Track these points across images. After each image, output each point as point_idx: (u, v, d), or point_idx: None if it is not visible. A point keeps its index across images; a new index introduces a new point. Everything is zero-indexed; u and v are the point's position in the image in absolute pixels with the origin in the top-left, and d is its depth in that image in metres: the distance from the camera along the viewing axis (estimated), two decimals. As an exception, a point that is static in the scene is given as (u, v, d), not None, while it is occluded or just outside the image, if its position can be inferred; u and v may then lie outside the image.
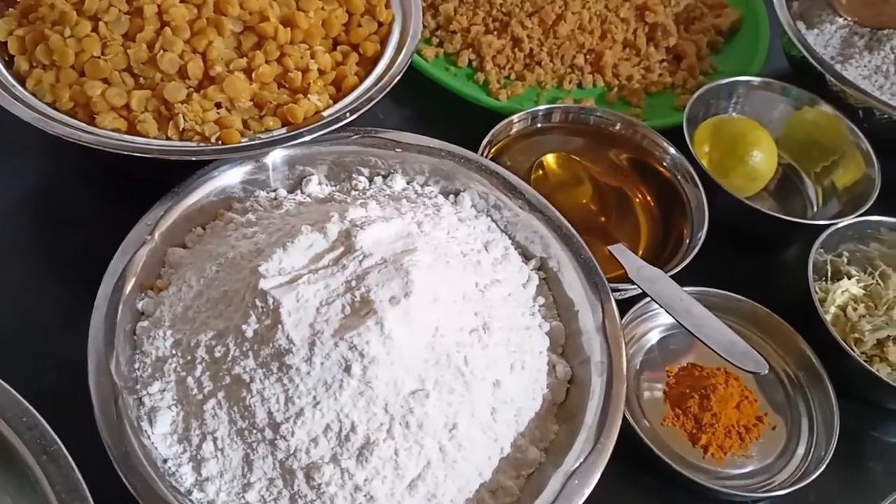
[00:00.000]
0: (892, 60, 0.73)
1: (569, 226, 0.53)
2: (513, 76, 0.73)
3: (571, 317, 0.51)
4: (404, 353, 0.41)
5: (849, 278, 0.61)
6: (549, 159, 0.64)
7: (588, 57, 0.74)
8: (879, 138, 0.68)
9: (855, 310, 0.59)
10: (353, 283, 0.42)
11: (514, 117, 0.64)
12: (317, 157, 0.55)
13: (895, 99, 0.71)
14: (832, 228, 0.61)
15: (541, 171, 0.63)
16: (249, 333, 0.42)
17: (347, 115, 0.54)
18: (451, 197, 0.56)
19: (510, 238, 0.55)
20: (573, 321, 0.51)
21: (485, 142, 0.61)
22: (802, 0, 0.79)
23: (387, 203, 0.51)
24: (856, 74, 0.72)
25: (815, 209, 0.69)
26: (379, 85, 0.56)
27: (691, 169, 0.62)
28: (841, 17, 0.76)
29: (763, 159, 0.65)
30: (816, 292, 0.60)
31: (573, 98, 0.73)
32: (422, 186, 0.56)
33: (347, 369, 0.41)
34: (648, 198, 0.65)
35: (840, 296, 0.60)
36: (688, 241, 0.60)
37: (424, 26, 0.74)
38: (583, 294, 0.51)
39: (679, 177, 0.63)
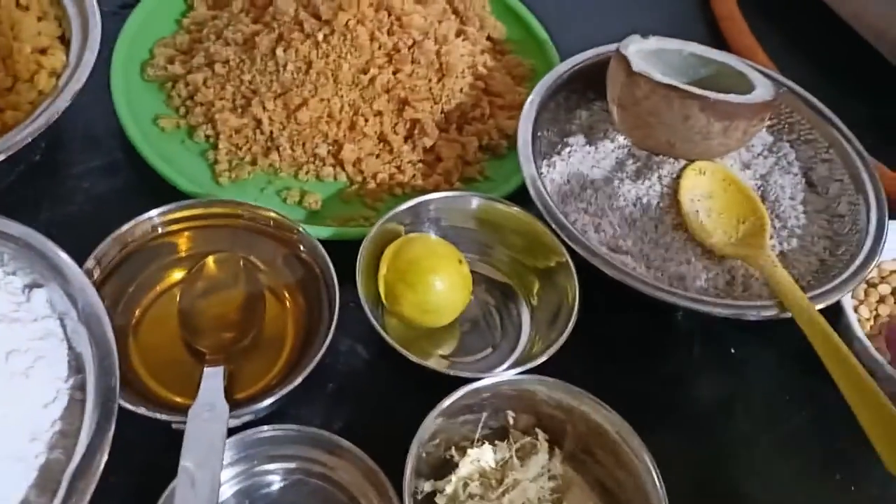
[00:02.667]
0: (658, 192, 0.62)
1: (110, 345, 0.47)
2: (249, 158, 0.67)
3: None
4: None
5: (493, 443, 0.52)
6: (212, 259, 0.57)
7: (331, 148, 0.67)
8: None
9: (465, 487, 0.49)
10: None
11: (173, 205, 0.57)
12: None
13: (646, 237, 0.61)
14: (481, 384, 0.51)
15: (202, 272, 0.57)
16: None
17: None
18: (30, 291, 0.50)
19: (71, 348, 0.49)
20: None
21: (126, 227, 0.55)
22: (595, 110, 0.70)
23: None
24: (605, 203, 0.62)
25: (523, 346, 0.59)
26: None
27: (336, 287, 0.54)
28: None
29: (443, 289, 0.56)
30: (450, 457, 0.51)
31: (302, 189, 0.66)
32: (6, 274, 0.51)
33: None
34: (301, 309, 0.57)
35: (468, 465, 0.51)
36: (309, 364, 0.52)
37: (178, 95, 0.69)
38: (88, 428, 0.44)
39: (327, 295, 0.55)
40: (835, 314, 0.58)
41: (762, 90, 0.62)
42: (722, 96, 0.59)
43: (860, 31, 0.80)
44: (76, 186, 0.63)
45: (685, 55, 0.66)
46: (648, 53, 0.64)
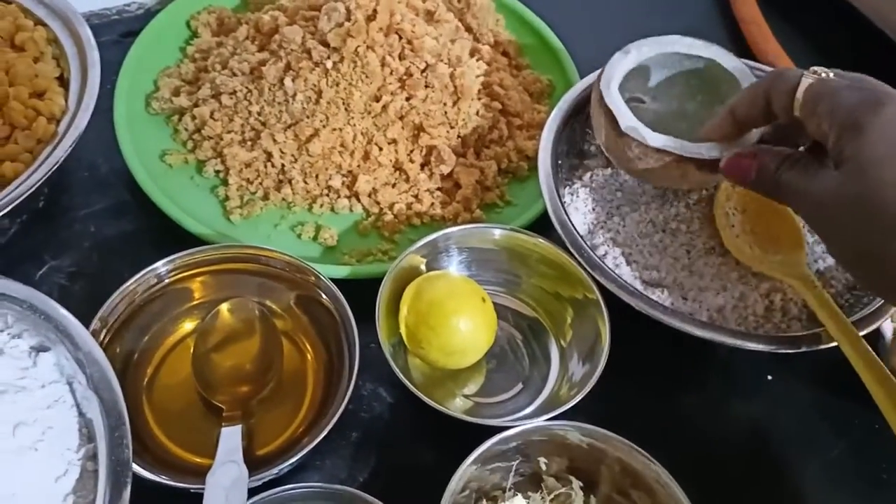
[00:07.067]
0: (687, 216, 0.59)
1: (122, 413, 0.44)
2: (260, 193, 0.63)
3: (90, 529, 0.41)
4: None
5: (525, 493, 0.49)
6: (225, 308, 0.54)
7: (345, 179, 0.63)
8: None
9: (496, 544, 0.46)
10: None
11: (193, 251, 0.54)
12: None
13: (678, 264, 0.57)
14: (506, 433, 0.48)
15: (215, 321, 0.54)
16: None
17: None
18: (36, 354, 0.47)
19: (81, 414, 0.46)
20: (90, 535, 0.41)
21: (131, 282, 0.52)
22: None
23: None
24: (634, 230, 0.58)
25: (552, 385, 0.56)
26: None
27: (356, 334, 0.51)
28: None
29: (467, 331, 0.53)
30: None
31: (317, 223, 0.62)
32: (12, 338, 0.48)
33: None
34: (321, 355, 0.54)
35: (500, 519, 0.48)
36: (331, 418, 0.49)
37: (185, 129, 0.66)
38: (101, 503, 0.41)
39: (346, 339, 0.52)
40: (874, 336, 0.55)
41: None
42: (717, 151, 0.51)
43: (889, 34, 0.76)
44: (83, 231, 0.60)
45: (669, 54, 0.58)
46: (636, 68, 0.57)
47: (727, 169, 0.49)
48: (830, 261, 0.58)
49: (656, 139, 0.52)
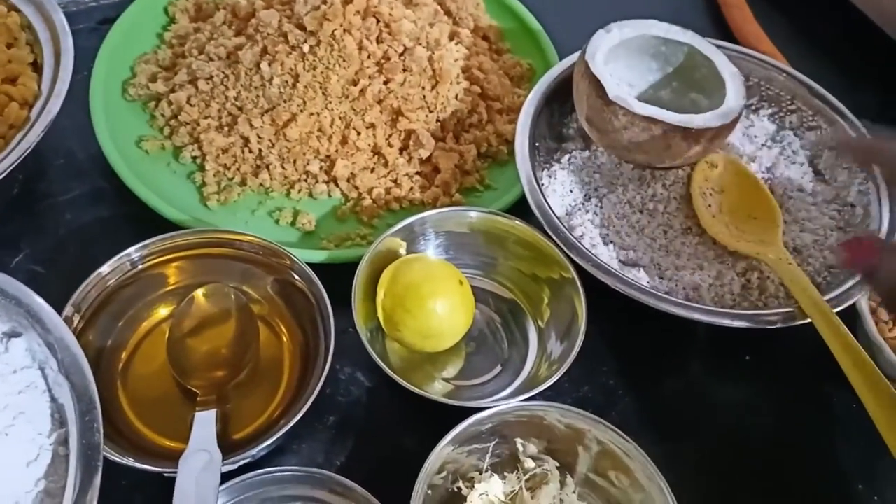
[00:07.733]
0: (665, 196, 0.59)
1: (93, 398, 0.43)
2: (238, 179, 0.63)
3: (61, 512, 0.41)
4: None
5: (502, 474, 0.49)
6: (201, 293, 0.54)
7: (323, 164, 0.63)
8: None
9: (476, 525, 0.46)
10: None
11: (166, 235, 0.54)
12: None
13: (655, 244, 0.57)
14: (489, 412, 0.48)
15: (191, 307, 0.53)
16: None
17: None
18: (8, 340, 0.47)
19: (53, 399, 0.45)
20: (61, 517, 0.41)
21: (105, 267, 0.51)
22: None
23: None
24: (611, 211, 0.58)
25: (530, 366, 0.55)
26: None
27: (331, 318, 0.51)
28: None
29: (444, 314, 0.52)
30: (457, 489, 0.48)
31: (295, 208, 0.62)
32: (-16, 325, 0.47)
33: None
34: (298, 339, 0.53)
35: (477, 500, 0.47)
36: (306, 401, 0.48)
37: (162, 115, 0.65)
38: (71, 488, 0.41)
39: (322, 323, 0.52)
40: (852, 314, 0.55)
41: (731, 82, 0.58)
42: (704, 122, 0.54)
43: (871, 16, 0.76)
44: (58, 219, 0.60)
45: (648, 38, 0.60)
46: (615, 46, 0.59)
47: (846, 247, 0.50)
48: (808, 238, 0.58)
49: (644, 108, 0.53)
